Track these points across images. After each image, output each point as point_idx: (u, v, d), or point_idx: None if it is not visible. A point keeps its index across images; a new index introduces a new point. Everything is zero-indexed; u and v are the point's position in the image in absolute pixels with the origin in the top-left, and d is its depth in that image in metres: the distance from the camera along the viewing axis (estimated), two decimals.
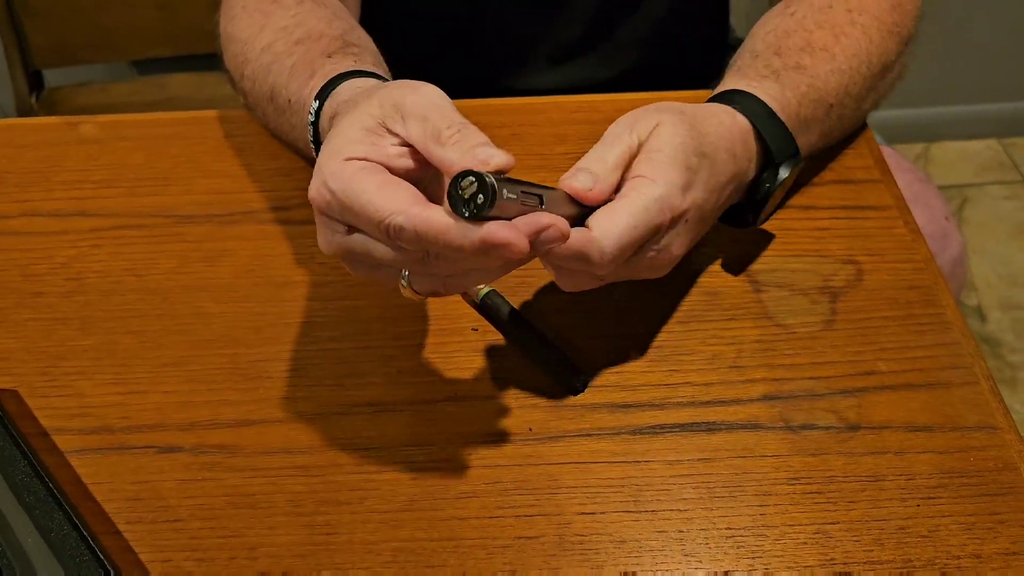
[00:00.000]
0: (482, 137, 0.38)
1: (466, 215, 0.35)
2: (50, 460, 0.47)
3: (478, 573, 0.43)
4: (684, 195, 0.45)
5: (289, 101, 0.54)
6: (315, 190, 0.39)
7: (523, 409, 0.49)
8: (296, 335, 0.53)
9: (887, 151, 0.85)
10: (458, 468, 0.47)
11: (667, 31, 0.81)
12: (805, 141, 0.54)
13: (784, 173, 0.51)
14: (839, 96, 0.56)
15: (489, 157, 0.36)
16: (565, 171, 0.62)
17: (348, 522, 0.45)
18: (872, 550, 0.43)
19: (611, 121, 0.67)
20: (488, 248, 0.35)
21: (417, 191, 0.38)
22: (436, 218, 0.36)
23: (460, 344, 0.52)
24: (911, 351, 0.51)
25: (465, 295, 0.54)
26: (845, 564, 0.42)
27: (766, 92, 0.53)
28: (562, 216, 0.41)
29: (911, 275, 0.55)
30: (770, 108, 0.52)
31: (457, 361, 0.52)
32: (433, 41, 0.81)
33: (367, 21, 0.80)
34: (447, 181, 0.36)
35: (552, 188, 0.42)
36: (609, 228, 0.42)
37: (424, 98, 0.39)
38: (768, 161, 0.52)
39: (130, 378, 0.52)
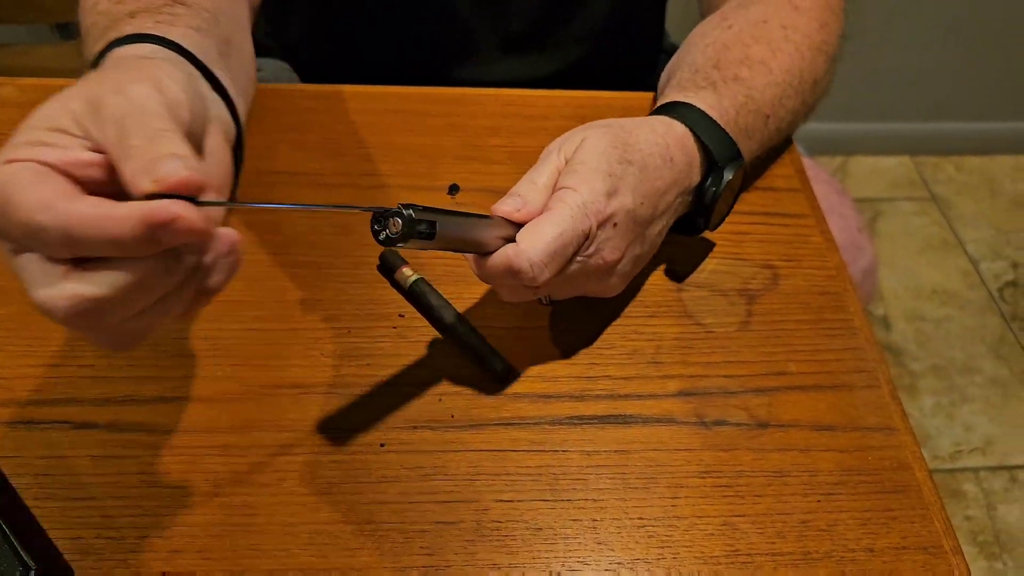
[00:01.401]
0: (177, 147, 0.31)
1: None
2: None
3: (395, 557, 0.43)
4: (609, 200, 0.47)
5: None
6: None
7: (446, 396, 0.50)
8: (221, 313, 0.52)
9: (808, 162, 0.88)
10: (379, 453, 0.47)
11: (606, 31, 0.82)
12: (746, 148, 0.56)
13: (728, 175, 0.53)
14: (774, 108, 0.58)
15: (171, 173, 0.30)
16: (498, 163, 0.64)
17: (267, 504, 0.45)
18: (775, 542, 0.45)
19: (545, 116, 0.68)
20: (153, 228, 0.29)
21: (72, 187, 0.31)
22: (84, 208, 0.30)
23: (386, 329, 0.53)
24: (820, 354, 0.54)
25: (395, 282, 0.54)
26: (749, 555, 0.44)
27: (703, 101, 0.54)
28: (499, 238, 0.43)
29: (823, 281, 0.58)
30: (708, 115, 0.54)
31: (382, 346, 0.52)
32: (378, 26, 0.80)
33: (316, 4, 0.79)
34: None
35: (486, 216, 0.44)
36: (534, 239, 0.44)
37: (126, 101, 0.32)
38: (711, 166, 0.53)
39: (44, 351, 0.50)
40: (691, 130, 0.53)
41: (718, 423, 0.50)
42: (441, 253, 0.56)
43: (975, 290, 1.62)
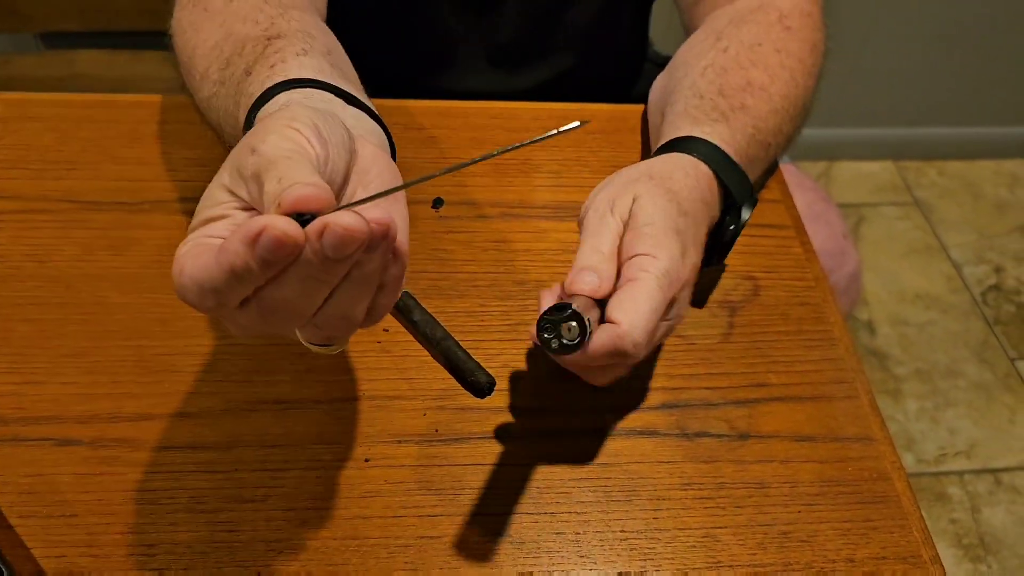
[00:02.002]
0: (303, 177, 0.32)
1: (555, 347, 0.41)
2: None
3: (380, 572, 0.43)
4: (684, 261, 0.46)
5: (236, 140, 0.49)
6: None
7: (431, 410, 0.50)
8: (204, 329, 0.53)
9: (792, 169, 0.89)
10: (363, 468, 0.47)
11: (590, 40, 0.82)
12: (752, 178, 0.56)
13: (746, 215, 0.53)
14: (775, 136, 0.58)
15: (286, 196, 0.31)
16: (481, 175, 0.64)
17: (251, 520, 0.45)
18: (756, 553, 0.45)
19: (528, 129, 0.68)
20: (253, 246, 0.30)
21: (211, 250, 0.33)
22: (205, 258, 0.32)
23: (370, 344, 0.53)
24: (800, 365, 0.54)
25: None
26: (731, 567, 0.45)
27: (719, 136, 0.54)
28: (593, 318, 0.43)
29: (803, 292, 0.59)
30: (726, 153, 0.53)
31: (367, 361, 0.52)
32: (362, 37, 0.80)
33: None
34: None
35: (576, 296, 0.44)
36: (635, 319, 0.42)
37: (258, 158, 0.33)
38: (729, 203, 0.53)
39: (26, 368, 0.50)
40: (714, 172, 0.52)
41: (700, 435, 0.50)
42: (424, 268, 0.56)
43: (958, 294, 1.63)
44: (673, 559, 0.45)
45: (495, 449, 0.49)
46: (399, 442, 0.48)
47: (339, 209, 0.31)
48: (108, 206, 0.59)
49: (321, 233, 0.30)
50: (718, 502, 0.47)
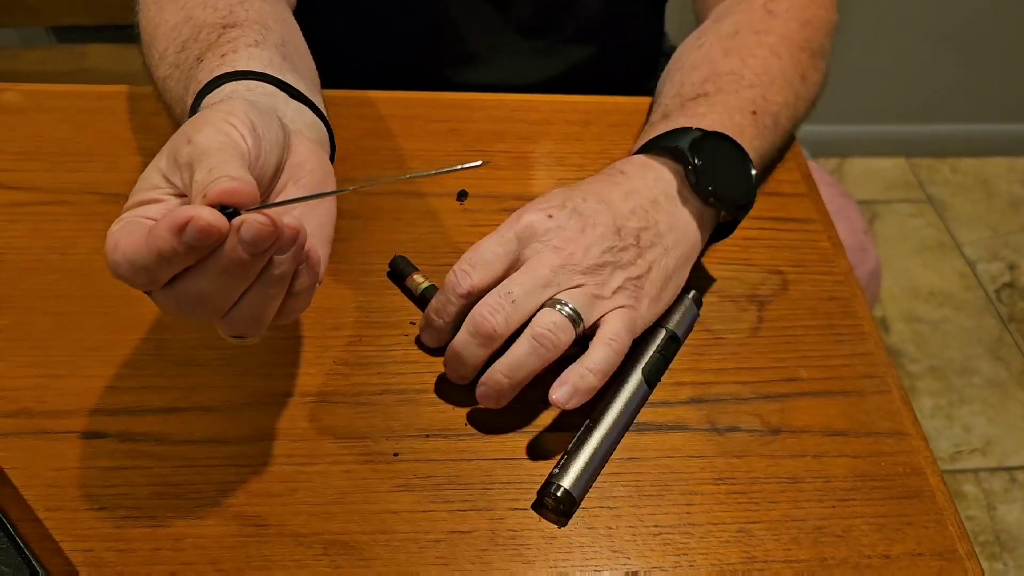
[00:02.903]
0: (230, 171, 0.34)
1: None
2: None
3: (410, 567, 0.43)
4: (544, 202, 0.51)
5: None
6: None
7: (459, 403, 0.49)
8: None
9: (812, 165, 0.88)
10: (392, 462, 0.47)
11: (602, 32, 0.82)
12: (750, 145, 0.55)
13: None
14: (759, 104, 0.57)
15: (211, 189, 0.33)
16: (504, 168, 0.63)
17: (279, 514, 0.44)
18: (791, 549, 0.45)
19: (548, 121, 0.68)
20: (179, 233, 0.32)
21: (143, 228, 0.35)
22: (136, 236, 0.34)
23: (397, 337, 0.52)
24: (830, 359, 0.54)
25: (406, 289, 0.54)
26: (765, 562, 0.44)
27: (656, 132, 0.55)
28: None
29: (832, 287, 0.58)
30: (663, 135, 0.54)
31: (393, 354, 0.51)
32: (372, 27, 0.80)
33: (308, 4, 0.79)
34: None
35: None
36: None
37: (192, 147, 0.36)
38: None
39: (48, 360, 0.50)
40: (650, 154, 0.54)
41: (731, 429, 0.50)
42: (449, 262, 0.55)
43: (972, 291, 1.62)
44: (707, 554, 0.44)
45: (524, 443, 0.48)
46: (427, 436, 0.48)
47: (259, 208, 0.34)
48: (127, 198, 0.59)
49: (239, 227, 0.33)
50: (751, 497, 0.47)
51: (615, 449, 0.48)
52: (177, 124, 0.51)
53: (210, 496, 0.45)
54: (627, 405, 0.48)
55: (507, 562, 0.43)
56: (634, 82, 0.87)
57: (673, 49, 0.95)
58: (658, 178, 0.53)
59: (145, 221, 0.35)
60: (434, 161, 0.63)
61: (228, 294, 0.36)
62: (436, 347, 0.51)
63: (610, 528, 0.45)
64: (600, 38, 0.82)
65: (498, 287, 0.47)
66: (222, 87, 0.43)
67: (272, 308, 0.38)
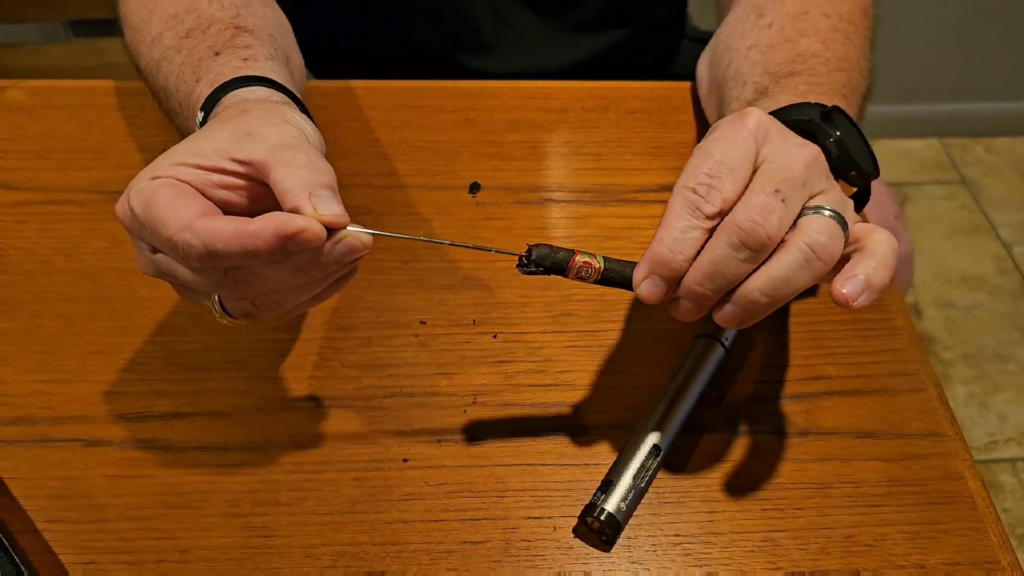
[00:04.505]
0: (329, 178, 0.36)
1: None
2: None
3: None
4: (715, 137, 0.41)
5: (180, 105, 0.50)
6: (120, 205, 0.37)
7: (471, 407, 0.48)
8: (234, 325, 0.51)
9: None
10: (402, 469, 0.45)
11: (622, 15, 0.79)
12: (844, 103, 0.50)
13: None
14: (846, 88, 0.52)
15: (322, 205, 0.35)
16: (518, 159, 0.61)
17: (287, 524, 0.43)
18: (819, 559, 0.43)
19: (565, 109, 0.66)
20: (283, 241, 0.34)
21: (210, 204, 0.36)
22: (222, 227, 0.34)
23: (407, 338, 0.51)
24: (859, 356, 0.51)
25: (582, 279, 0.40)
26: (792, 573, 0.42)
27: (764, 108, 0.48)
28: None
29: None
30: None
31: (403, 355, 0.50)
32: (385, 15, 0.78)
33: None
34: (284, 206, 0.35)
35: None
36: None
37: (281, 133, 0.38)
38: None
39: (55, 365, 0.49)
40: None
41: (754, 432, 0.48)
42: (462, 256, 0.54)
43: (1007, 275, 1.58)
44: (730, 565, 0.42)
45: (539, 448, 0.46)
46: (439, 441, 0.46)
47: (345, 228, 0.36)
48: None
49: (338, 241, 0.35)
50: (776, 504, 0.45)
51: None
52: (170, 106, 0.52)
53: (217, 506, 0.43)
54: (680, 424, 0.46)
55: (521, 573, 0.42)
56: (656, 66, 0.85)
57: (695, 30, 0.93)
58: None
59: (177, 183, 0.36)
60: (450, 152, 0.62)
61: (281, 283, 0.37)
62: (659, 301, 0.39)
63: (629, 538, 0.43)
64: (622, 21, 0.80)
65: (758, 185, 0.38)
66: (253, 88, 0.44)
67: (304, 301, 0.39)
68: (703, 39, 0.72)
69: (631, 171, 0.61)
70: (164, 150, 0.61)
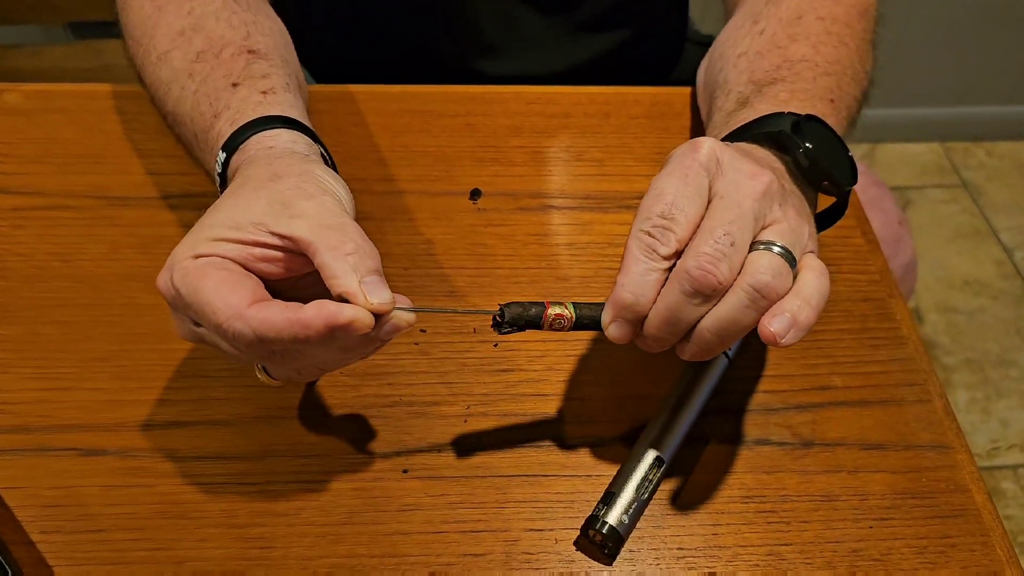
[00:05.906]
0: (375, 263, 0.37)
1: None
2: None
3: None
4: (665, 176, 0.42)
5: (195, 135, 0.50)
6: (163, 281, 0.38)
7: (472, 417, 0.47)
8: None
9: None
10: (401, 479, 0.45)
11: (624, 19, 0.79)
12: (830, 115, 0.50)
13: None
14: (836, 93, 0.52)
15: (372, 293, 0.36)
16: (520, 164, 0.61)
17: (284, 535, 0.42)
18: (824, 572, 0.42)
19: (568, 114, 0.65)
20: (333, 331, 0.35)
21: (259, 286, 0.37)
22: (273, 316, 0.35)
23: (407, 346, 0.50)
24: (866, 366, 0.51)
25: (556, 328, 0.41)
26: None
27: (740, 120, 0.48)
28: None
29: (867, 287, 0.55)
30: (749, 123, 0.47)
31: (403, 364, 0.49)
32: (386, 19, 0.78)
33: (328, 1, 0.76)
34: (330, 287, 0.36)
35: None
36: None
37: (320, 207, 0.38)
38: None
39: (53, 373, 0.48)
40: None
41: (760, 442, 0.47)
42: (463, 264, 0.53)
43: (1009, 280, 1.57)
44: None
45: (540, 459, 0.46)
46: (439, 451, 0.46)
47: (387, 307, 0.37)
48: (135, 202, 0.57)
49: (384, 323, 0.37)
50: (782, 516, 0.44)
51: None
52: (182, 136, 0.51)
53: (214, 516, 0.43)
54: (683, 435, 0.46)
55: None
56: (659, 70, 0.84)
57: (698, 35, 0.92)
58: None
59: (222, 263, 0.37)
60: (450, 158, 0.61)
61: (343, 364, 0.39)
62: (628, 341, 0.40)
63: (631, 551, 0.43)
64: (624, 23, 0.79)
65: (707, 229, 0.38)
66: (276, 131, 0.44)
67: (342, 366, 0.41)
68: (706, 43, 0.72)
69: (633, 177, 0.61)
70: (164, 155, 0.61)
